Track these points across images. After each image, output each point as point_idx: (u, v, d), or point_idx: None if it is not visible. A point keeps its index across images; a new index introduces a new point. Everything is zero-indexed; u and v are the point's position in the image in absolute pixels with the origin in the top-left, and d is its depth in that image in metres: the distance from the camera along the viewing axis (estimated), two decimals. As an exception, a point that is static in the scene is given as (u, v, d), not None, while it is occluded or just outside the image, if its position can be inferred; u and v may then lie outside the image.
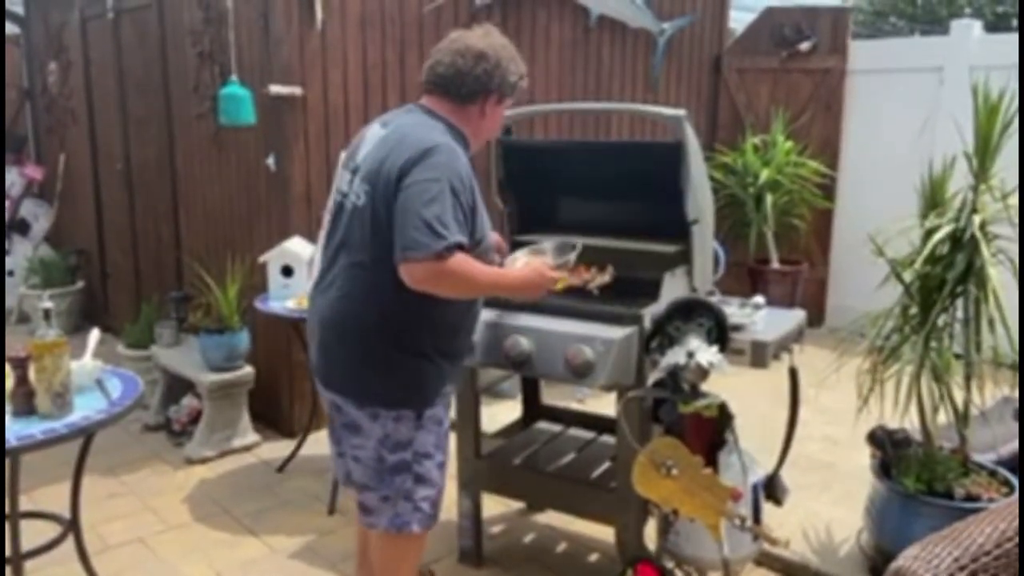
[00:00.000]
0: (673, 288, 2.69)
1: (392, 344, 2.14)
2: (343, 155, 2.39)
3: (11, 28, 6.41)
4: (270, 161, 4.02)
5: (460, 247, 2.03)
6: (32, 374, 2.32)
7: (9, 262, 6.30)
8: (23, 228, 6.35)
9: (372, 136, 2.24)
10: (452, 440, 3.04)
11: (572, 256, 2.44)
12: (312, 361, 2.32)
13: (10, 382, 2.34)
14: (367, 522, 2.31)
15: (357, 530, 2.62)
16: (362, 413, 2.19)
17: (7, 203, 6.30)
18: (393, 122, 2.24)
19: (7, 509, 2.37)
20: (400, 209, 2.03)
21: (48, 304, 2.39)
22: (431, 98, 2.25)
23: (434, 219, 1.99)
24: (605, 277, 2.82)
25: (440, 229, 2.00)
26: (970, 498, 2.79)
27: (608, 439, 3.22)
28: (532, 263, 2.37)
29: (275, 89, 3.86)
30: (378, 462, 2.21)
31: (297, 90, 3.92)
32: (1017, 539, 1.75)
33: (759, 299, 2.80)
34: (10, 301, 6.13)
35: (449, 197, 2.03)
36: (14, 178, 6.36)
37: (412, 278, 2.03)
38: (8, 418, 2.30)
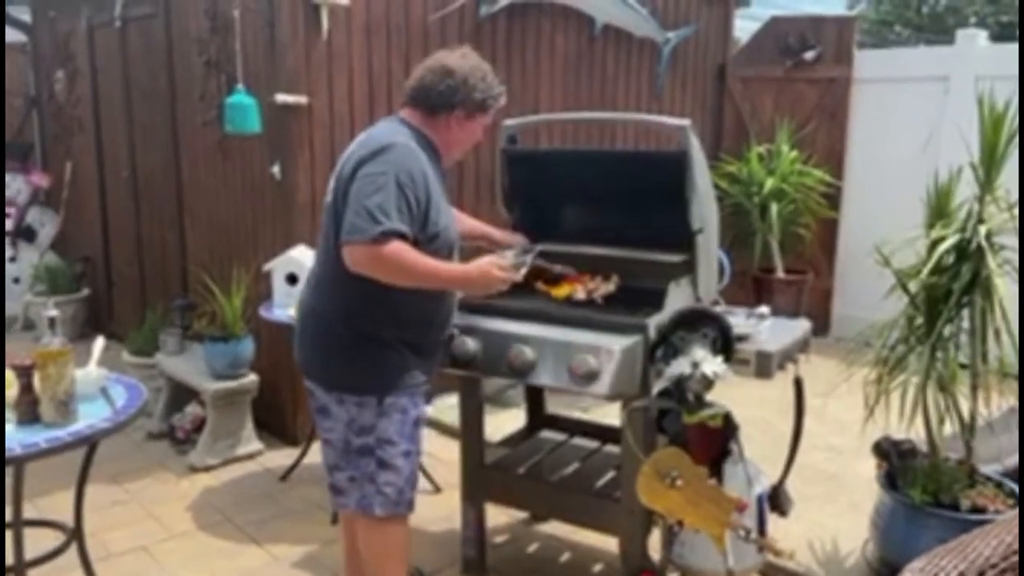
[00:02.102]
0: (678, 298, 2.68)
1: (353, 331, 2.31)
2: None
3: (18, 36, 6.44)
4: (275, 169, 4.02)
5: (400, 236, 2.17)
6: (36, 382, 2.32)
7: (15, 269, 6.32)
8: (29, 235, 6.37)
9: (356, 143, 2.41)
10: (455, 449, 3.06)
11: (528, 258, 2.52)
12: (295, 352, 2.50)
13: (15, 390, 2.34)
14: (339, 502, 2.53)
15: (344, 536, 2.71)
16: (330, 397, 2.38)
17: (14, 211, 6.32)
18: (369, 130, 2.45)
19: (11, 517, 2.37)
20: (349, 199, 2.21)
21: (53, 312, 2.40)
22: (405, 109, 2.44)
23: (375, 207, 2.15)
24: (609, 286, 2.83)
25: (379, 216, 2.15)
26: (976, 510, 2.78)
27: (612, 449, 3.21)
28: (481, 261, 2.45)
29: (281, 98, 3.87)
30: (345, 444, 2.40)
31: (303, 99, 3.93)
32: (1024, 552, 1.74)
33: (764, 309, 2.80)
34: (16, 308, 6.14)
35: (394, 188, 2.18)
36: (20, 185, 6.38)
37: (351, 260, 2.19)
38: (12, 426, 2.30)
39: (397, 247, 2.16)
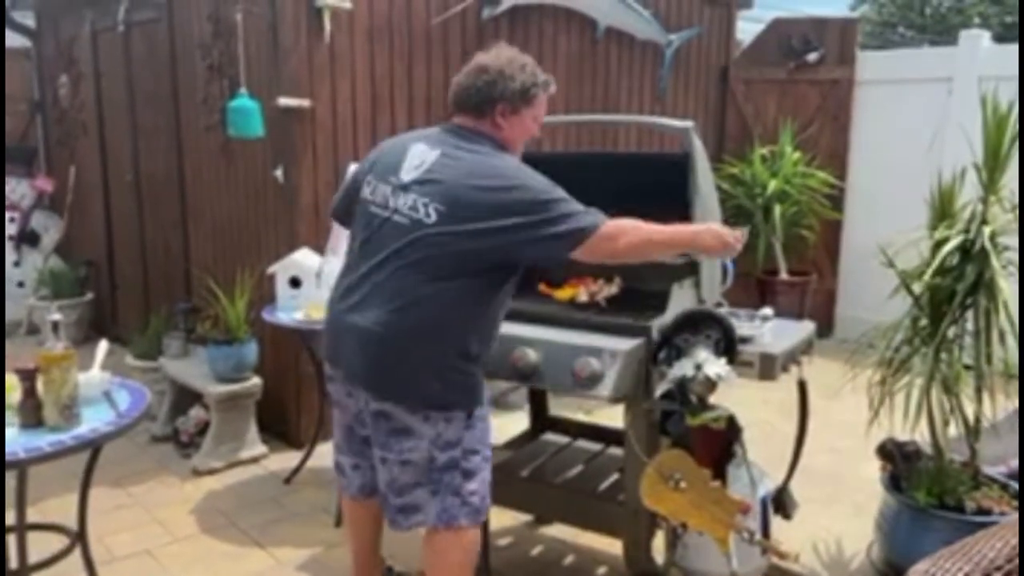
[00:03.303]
0: (681, 300, 2.68)
1: (452, 353, 2.24)
2: (361, 168, 2.46)
3: (22, 41, 6.46)
4: (278, 173, 4.03)
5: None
6: (40, 386, 2.32)
7: (19, 273, 6.33)
8: (33, 240, 6.38)
9: (418, 154, 2.30)
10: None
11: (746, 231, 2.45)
12: (352, 372, 2.31)
13: (18, 394, 2.35)
14: (412, 523, 2.34)
15: (355, 539, 2.66)
16: (415, 417, 2.25)
17: (18, 215, 6.33)
18: (440, 142, 2.31)
19: (15, 521, 2.37)
20: (533, 228, 2.16)
21: (57, 316, 2.40)
22: (457, 116, 2.37)
23: (568, 206, 2.19)
24: (612, 288, 2.83)
25: (576, 206, 2.19)
26: (981, 512, 2.77)
27: (616, 451, 3.20)
28: (703, 225, 2.45)
29: (283, 101, 3.88)
30: (429, 461, 2.28)
31: (305, 102, 3.94)
32: (1029, 554, 1.73)
33: (767, 311, 2.79)
34: (20, 313, 6.15)
35: (557, 190, 2.22)
36: (25, 190, 6.40)
37: (599, 253, 2.20)
38: (16, 430, 2.31)
39: (616, 221, 2.22)
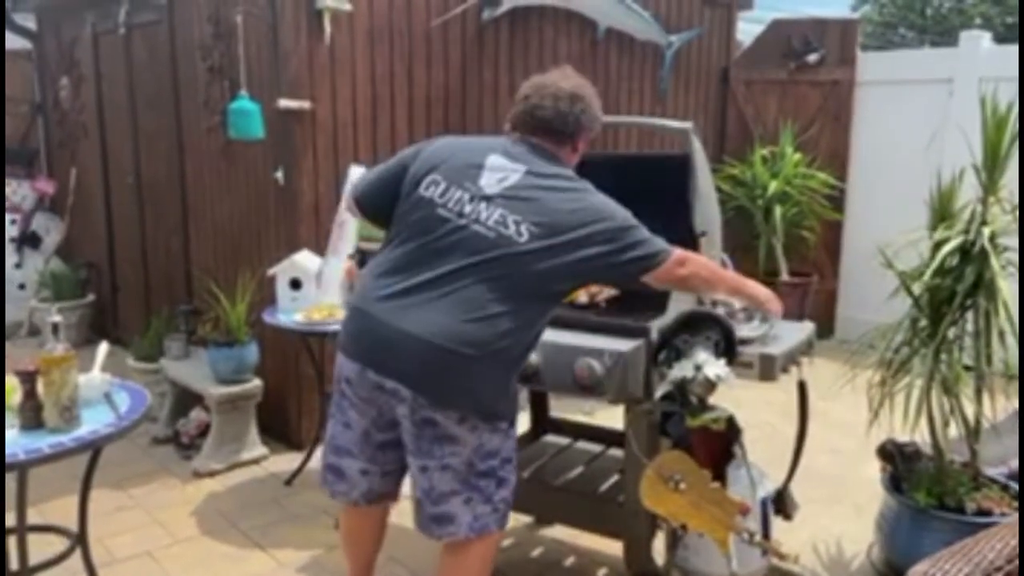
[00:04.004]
0: (681, 301, 2.68)
1: (512, 367, 2.26)
2: (412, 162, 2.35)
3: (23, 43, 6.46)
4: (279, 174, 4.03)
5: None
6: (40, 388, 2.33)
7: (20, 275, 6.33)
8: (34, 242, 6.39)
9: (500, 167, 2.27)
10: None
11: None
12: (405, 377, 2.19)
13: (19, 396, 2.35)
14: (444, 533, 2.30)
15: (351, 544, 2.60)
16: (463, 427, 2.21)
17: (19, 217, 6.34)
18: (523, 160, 2.30)
19: (15, 523, 2.37)
20: (623, 262, 2.23)
21: (57, 318, 2.41)
22: (535, 136, 2.37)
23: (643, 233, 2.26)
24: (612, 289, 2.83)
25: (649, 234, 2.27)
26: (981, 512, 2.77)
27: (616, 452, 3.20)
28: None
29: (284, 103, 3.88)
30: (468, 467, 2.25)
31: (306, 104, 3.94)
32: (1029, 555, 1.73)
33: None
34: (21, 314, 6.16)
35: (633, 219, 2.28)
36: (26, 192, 6.41)
37: (662, 276, 2.26)
38: (16, 432, 2.31)
39: (685, 251, 2.32)
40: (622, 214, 2.27)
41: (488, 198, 2.21)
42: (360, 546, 2.59)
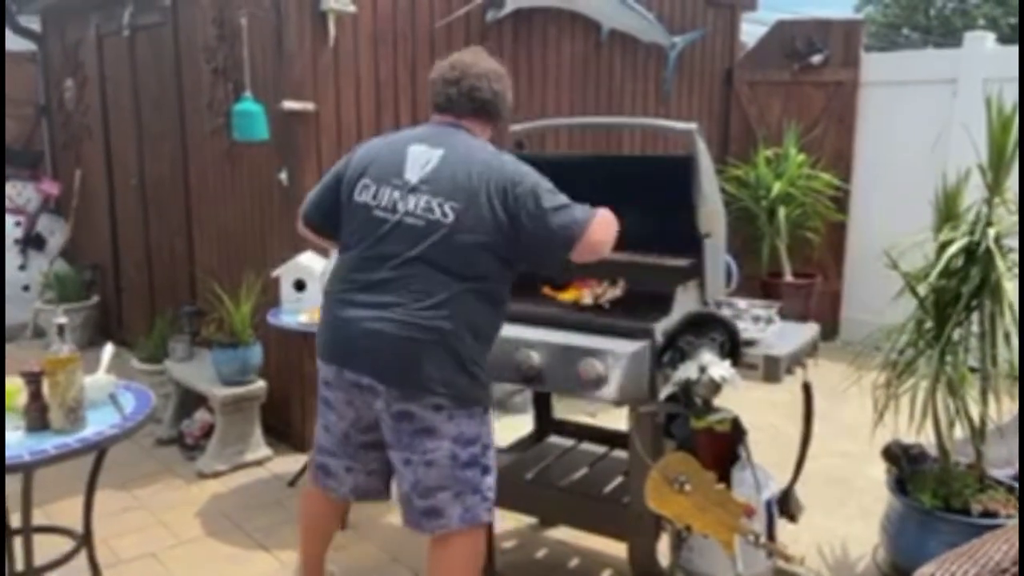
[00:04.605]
0: (685, 302, 2.67)
1: (477, 350, 2.31)
2: (345, 172, 2.45)
3: (28, 45, 6.48)
4: (283, 176, 4.04)
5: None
6: (46, 389, 2.33)
7: (25, 277, 6.35)
8: (39, 243, 6.40)
9: (421, 155, 2.34)
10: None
11: None
12: (376, 373, 2.28)
13: (24, 397, 2.36)
14: (435, 527, 2.35)
15: (310, 535, 2.68)
16: (439, 416, 2.28)
17: (24, 219, 6.35)
18: (444, 142, 2.36)
19: (21, 524, 2.38)
20: (536, 220, 2.26)
21: (62, 320, 2.41)
22: (469, 121, 2.43)
23: (562, 199, 2.29)
24: (616, 291, 2.83)
25: (567, 200, 2.30)
26: (987, 514, 2.77)
27: (620, 454, 3.20)
28: None
29: (288, 105, 3.89)
30: (452, 459, 2.31)
31: (310, 105, 3.94)
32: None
33: (773, 304, 2.81)
34: (26, 316, 6.17)
35: (551, 186, 2.33)
36: (31, 194, 6.42)
37: (593, 237, 2.28)
38: (22, 433, 2.32)
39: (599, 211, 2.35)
40: (542, 181, 2.32)
41: (414, 188, 2.30)
42: (319, 535, 2.69)
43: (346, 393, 2.38)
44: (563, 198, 2.30)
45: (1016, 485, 2.93)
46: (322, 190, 2.54)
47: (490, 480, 2.39)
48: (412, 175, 2.31)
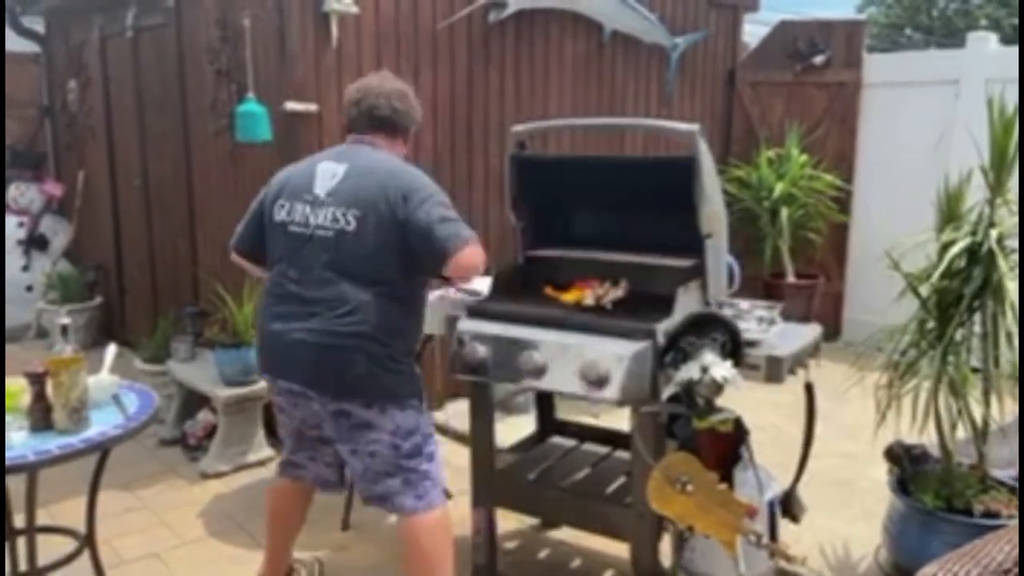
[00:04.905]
0: (687, 303, 2.68)
1: (397, 350, 2.47)
2: (265, 197, 2.65)
3: (32, 47, 6.49)
4: (285, 177, 4.04)
5: None
6: (49, 389, 2.34)
7: (28, 277, 6.36)
8: (42, 244, 6.41)
9: (328, 171, 2.52)
10: (465, 455, 3.07)
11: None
12: (306, 380, 2.46)
13: (27, 398, 2.36)
14: (391, 507, 2.54)
15: (277, 521, 2.80)
16: (372, 411, 2.44)
17: (27, 220, 6.37)
18: (349, 157, 2.54)
19: (24, 524, 2.38)
20: (427, 226, 2.40)
21: (65, 320, 2.42)
22: (372, 135, 2.61)
23: (453, 216, 2.46)
24: (618, 291, 2.83)
25: (459, 218, 2.47)
26: (989, 515, 2.77)
27: (623, 454, 3.20)
28: None
29: (291, 106, 3.89)
30: (394, 450, 2.48)
31: (312, 106, 3.95)
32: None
33: (776, 304, 2.81)
34: (29, 316, 6.18)
35: (447, 201, 2.51)
36: (34, 195, 6.44)
37: (468, 262, 2.43)
38: (25, 433, 2.32)
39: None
40: (440, 195, 2.49)
41: (322, 202, 2.47)
42: (284, 527, 2.81)
43: (287, 397, 2.58)
44: (453, 214, 2.45)
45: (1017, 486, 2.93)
46: (249, 218, 2.71)
47: (434, 466, 2.57)
48: (320, 190, 2.48)
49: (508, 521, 3.31)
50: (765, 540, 2.31)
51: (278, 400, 2.64)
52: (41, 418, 2.34)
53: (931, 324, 2.91)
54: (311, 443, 2.68)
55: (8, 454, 2.20)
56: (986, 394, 2.79)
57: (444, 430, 4.34)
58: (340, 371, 2.40)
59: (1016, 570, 1.70)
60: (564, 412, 3.63)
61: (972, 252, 2.82)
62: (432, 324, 3.03)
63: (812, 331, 2.90)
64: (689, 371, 2.36)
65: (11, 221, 6.32)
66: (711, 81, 6.17)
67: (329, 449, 2.65)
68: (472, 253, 2.44)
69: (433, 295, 3.17)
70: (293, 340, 2.43)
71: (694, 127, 2.72)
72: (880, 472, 3.16)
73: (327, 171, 2.52)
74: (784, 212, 5.72)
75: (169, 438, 4.29)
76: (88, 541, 2.69)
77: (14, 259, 6.32)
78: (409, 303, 2.52)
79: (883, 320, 3.08)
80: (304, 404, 2.54)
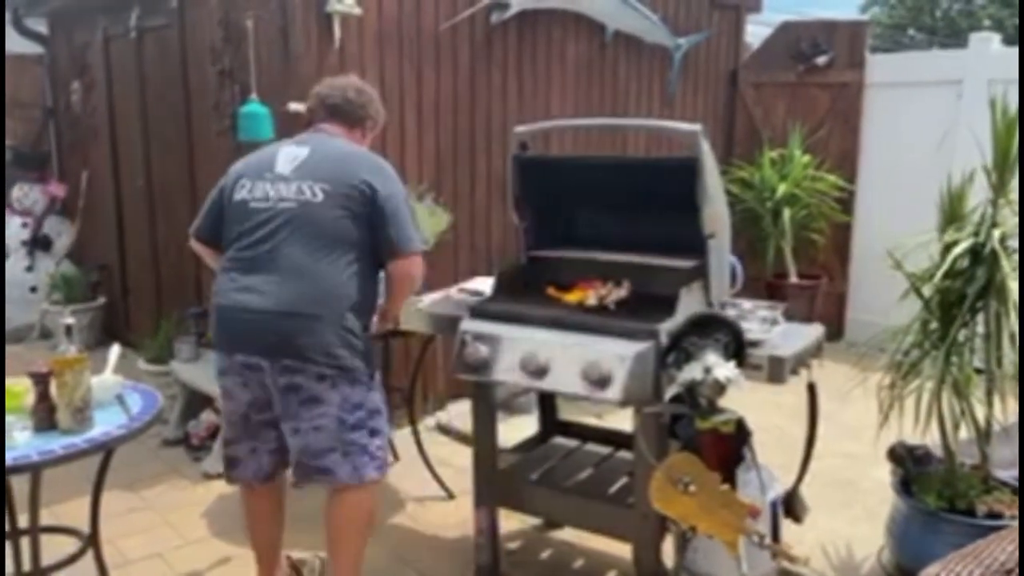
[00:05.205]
0: (690, 303, 2.68)
1: (353, 321, 2.54)
2: (225, 183, 2.72)
3: (35, 48, 6.51)
4: (288, 178, 4.04)
5: None
6: (53, 390, 2.34)
7: (32, 278, 6.37)
8: (46, 244, 6.42)
9: (290, 153, 2.64)
10: (468, 456, 3.07)
11: None
12: (264, 348, 2.50)
13: (31, 398, 2.37)
14: (323, 481, 2.60)
15: (256, 510, 2.81)
16: (322, 385, 2.51)
17: (31, 220, 6.38)
18: (310, 142, 2.68)
19: (28, 524, 2.39)
20: (392, 214, 2.55)
21: (69, 320, 2.43)
22: (326, 124, 2.74)
23: (415, 226, 2.64)
24: (621, 292, 2.83)
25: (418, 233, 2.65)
26: (992, 515, 2.76)
27: (625, 455, 3.20)
28: None
29: (294, 106, 3.90)
30: (339, 424, 2.54)
31: (315, 107, 3.95)
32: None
33: (778, 305, 2.81)
34: (32, 317, 6.20)
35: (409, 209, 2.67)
36: (38, 196, 6.44)
37: (413, 268, 2.61)
38: (29, 433, 2.33)
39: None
40: (403, 187, 2.66)
41: (285, 178, 2.57)
42: (263, 526, 2.82)
43: (240, 376, 2.57)
44: (412, 216, 2.64)
45: (1021, 486, 2.93)
46: (209, 206, 2.78)
47: (379, 441, 2.62)
48: (284, 168, 2.59)
49: (511, 521, 3.31)
50: (768, 541, 2.31)
51: (226, 384, 2.63)
52: (45, 418, 2.35)
53: (934, 324, 2.91)
54: (255, 430, 2.66)
55: (12, 454, 2.21)
56: (989, 394, 2.79)
57: (446, 430, 4.35)
58: (296, 340, 2.46)
59: (1019, 570, 1.70)
60: (566, 412, 3.63)
61: (975, 252, 2.82)
62: (432, 324, 3.04)
63: (815, 331, 2.90)
64: (692, 371, 2.36)
65: (15, 222, 6.33)
66: (714, 81, 6.17)
67: (273, 434, 2.64)
68: (419, 263, 2.62)
69: (435, 295, 3.18)
70: (250, 308, 2.49)
71: (696, 127, 2.72)
72: (883, 473, 3.16)
73: (289, 154, 2.63)
74: (787, 212, 5.71)
75: (172, 438, 4.29)
76: (92, 541, 2.69)
77: (18, 260, 6.33)
78: (367, 276, 2.59)
79: (886, 320, 3.08)
80: (255, 382, 2.55)
